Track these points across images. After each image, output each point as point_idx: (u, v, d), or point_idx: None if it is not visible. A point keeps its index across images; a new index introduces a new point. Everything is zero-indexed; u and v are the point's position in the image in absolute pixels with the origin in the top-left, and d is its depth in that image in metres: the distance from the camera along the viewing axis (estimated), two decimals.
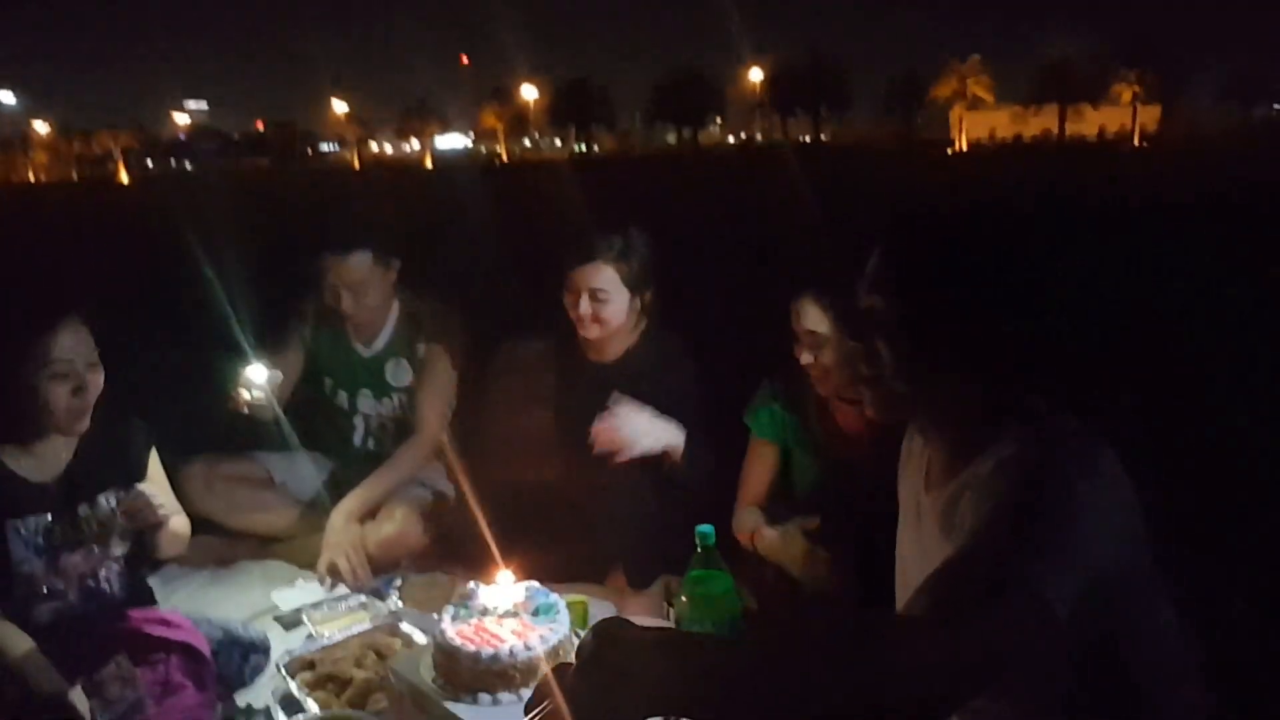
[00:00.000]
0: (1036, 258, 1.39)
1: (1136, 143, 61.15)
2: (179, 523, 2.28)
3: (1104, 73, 72.93)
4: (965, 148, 66.68)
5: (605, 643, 1.03)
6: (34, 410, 2.02)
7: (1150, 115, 76.01)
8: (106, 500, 2.18)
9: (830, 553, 2.11)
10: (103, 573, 2.17)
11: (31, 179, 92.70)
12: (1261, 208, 10.84)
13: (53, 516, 2.10)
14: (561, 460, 2.75)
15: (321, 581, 2.63)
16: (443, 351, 2.99)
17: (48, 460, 2.12)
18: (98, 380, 2.08)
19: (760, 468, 2.37)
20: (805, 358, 2.20)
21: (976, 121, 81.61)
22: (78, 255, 7.36)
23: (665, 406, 2.55)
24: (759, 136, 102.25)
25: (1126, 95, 72.21)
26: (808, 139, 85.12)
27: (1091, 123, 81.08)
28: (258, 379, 2.64)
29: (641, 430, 2.41)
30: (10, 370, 1.98)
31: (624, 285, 2.62)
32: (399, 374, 3.01)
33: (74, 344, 2.02)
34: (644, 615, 2.40)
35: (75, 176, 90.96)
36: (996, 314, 1.32)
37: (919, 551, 1.47)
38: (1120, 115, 77.79)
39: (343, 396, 3.05)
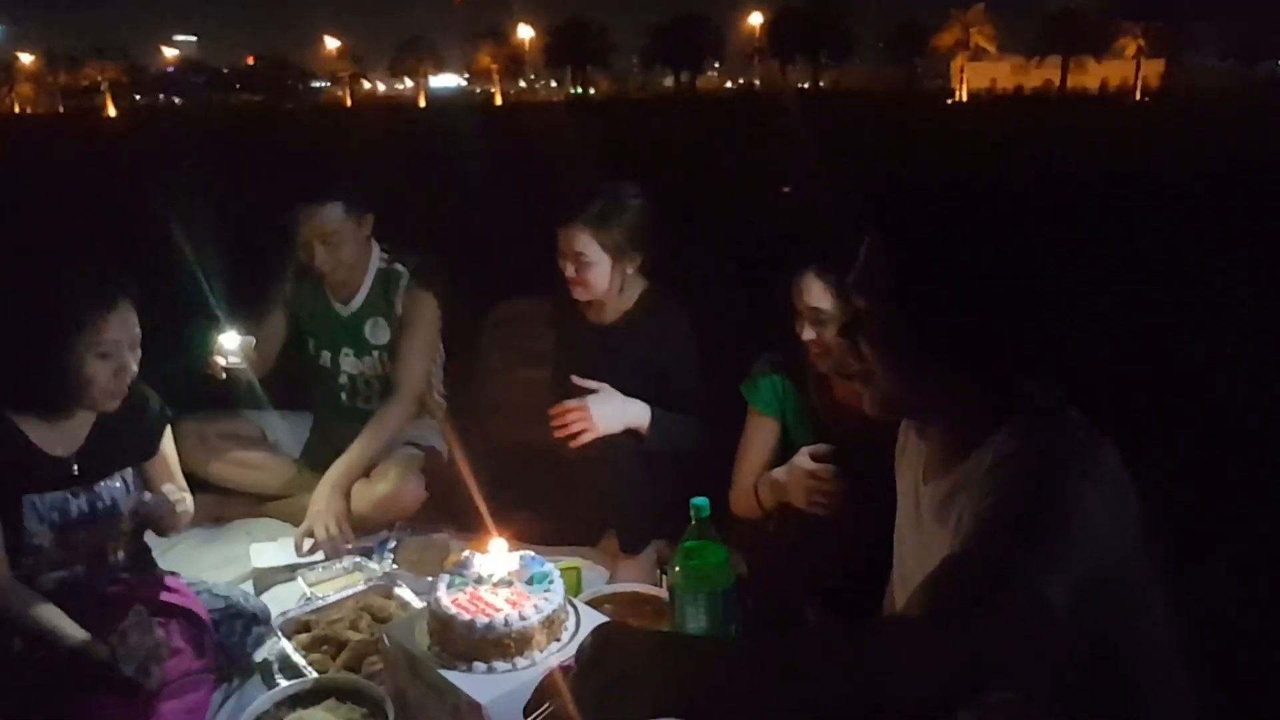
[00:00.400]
0: (1033, 241, 1.36)
1: (1139, 97, 60.60)
2: (187, 502, 2.27)
3: (1108, 25, 72.04)
4: (965, 98, 66.01)
5: (605, 647, 1.04)
6: (73, 386, 1.99)
7: (1153, 69, 75.24)
8: (123, 479, 2.18)
9: (836, 473, 2.09)
10: (110, 545, 2.17)
11: (16, 110, 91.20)
12: (1270, 173, 10.63)
13: (70, 493, 2.09)
14: (548, 428, 2.74)
15: (298, 549, 2.61)
16: (422, 309, 2.93)
17: (69, 434, 2.10)
18: (136, 359, 2.06)
19: (758, 442, 2.35)
20: (807, 334, 2.17)
21: (978, 72, 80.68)
22: (124, 223, 7.08)
23: (662, 372, 2.55)
24: (757, 82, 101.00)
25: (1130, 49, 71.46)
26: (806, 86, 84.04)
27: (1094, 75, 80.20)
28: (231, 345, 2.64)
29: (603, 416, 2.44)
30: (58, 346, 1.95)
31: (604, 251, 2.56)
32: (378, 333, 2.97)
33: (124, 325, 2.00)
34: (636, 581, 2.42)
35: (61, 109, 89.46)
36: (993, 308, 1.29)
37: (917, 541, 1.48)
38: (1123, 69, 77.00)
39: (326, 356, 3.01)
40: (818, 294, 2.12)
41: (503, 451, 3.05)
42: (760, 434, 2.34)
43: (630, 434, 2.50)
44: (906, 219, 1.38)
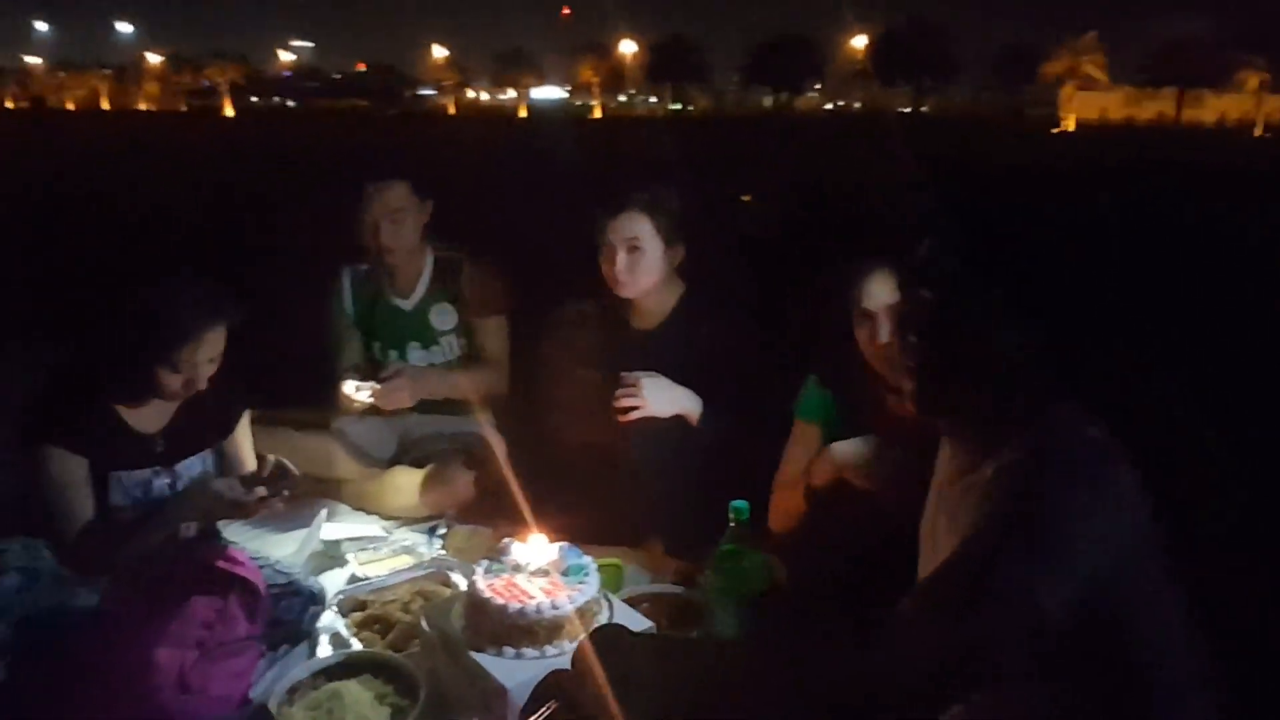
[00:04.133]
0: (1093, 258, 1.36)
1: (1259, 132, 58.05)
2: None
3: (1228, 57, 69.13)
4: (1073, 127, 64.27)
5: (603, 649, 1.06)
6: (145, 385, 2.17)
7: (1278, 104, 71.97)
8: (202, 460, 2.34)
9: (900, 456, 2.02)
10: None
11: (143, 107, 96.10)
12: None
13: (154, 471, 2.25)
14: (606, 424, 2.77)
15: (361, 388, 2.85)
16: (489, 282, 3.10)
17: (156, 414, 2.27)
18: (211, 371, 2.20)
19: (802, 449, 2.32)
20: (864, 335, 2.15)
21: (1087, 102, 78.32)
22: (226, 246, 7.34)
23: (700, 371, 2.57)
24: (858, 105, 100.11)
25: (1252, 82, 68.45)
26: (908, 110, 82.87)
27: (1212, 109, 77.11)
28: (361, 396, 2.83)
29: (654, 396, 2.50)
30: (135, 354, 2.12)
31: (658, 236, 2.62)
32: (443, 318, 3.09)
33: (207, 347, 2.15)
34: (677, 584, 2.42)
35: (184, 108, 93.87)
36: (1030, 320, 1.31)
37: (930, 539, 1.50)
38: (1243, 103, 73.74)
39: (393, 355, 3.10)
40: (879, 295, 2.09)
41: (559, 449, 3.10)
42: (805, 442, 2.30)
43: (679, 430, 2.51)
44: (981, 214, 1.40)
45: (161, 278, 2.17)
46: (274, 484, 2.21)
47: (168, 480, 2.28)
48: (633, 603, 2.25)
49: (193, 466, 2.33)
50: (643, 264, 2.63)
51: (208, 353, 2.16)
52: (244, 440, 2.46)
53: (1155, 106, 76.68)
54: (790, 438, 2.37)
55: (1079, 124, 68.33)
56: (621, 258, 2.62)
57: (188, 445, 2.32)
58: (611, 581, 2.33)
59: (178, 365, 2.12)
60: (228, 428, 2.41)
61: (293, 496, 2.30)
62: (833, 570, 2.01)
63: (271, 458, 2.32)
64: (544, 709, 1.11)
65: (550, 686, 1.14)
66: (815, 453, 2.21)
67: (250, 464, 2.44)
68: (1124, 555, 1.19)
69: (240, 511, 2.22)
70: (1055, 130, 56.67)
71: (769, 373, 2.55)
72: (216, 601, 2.09)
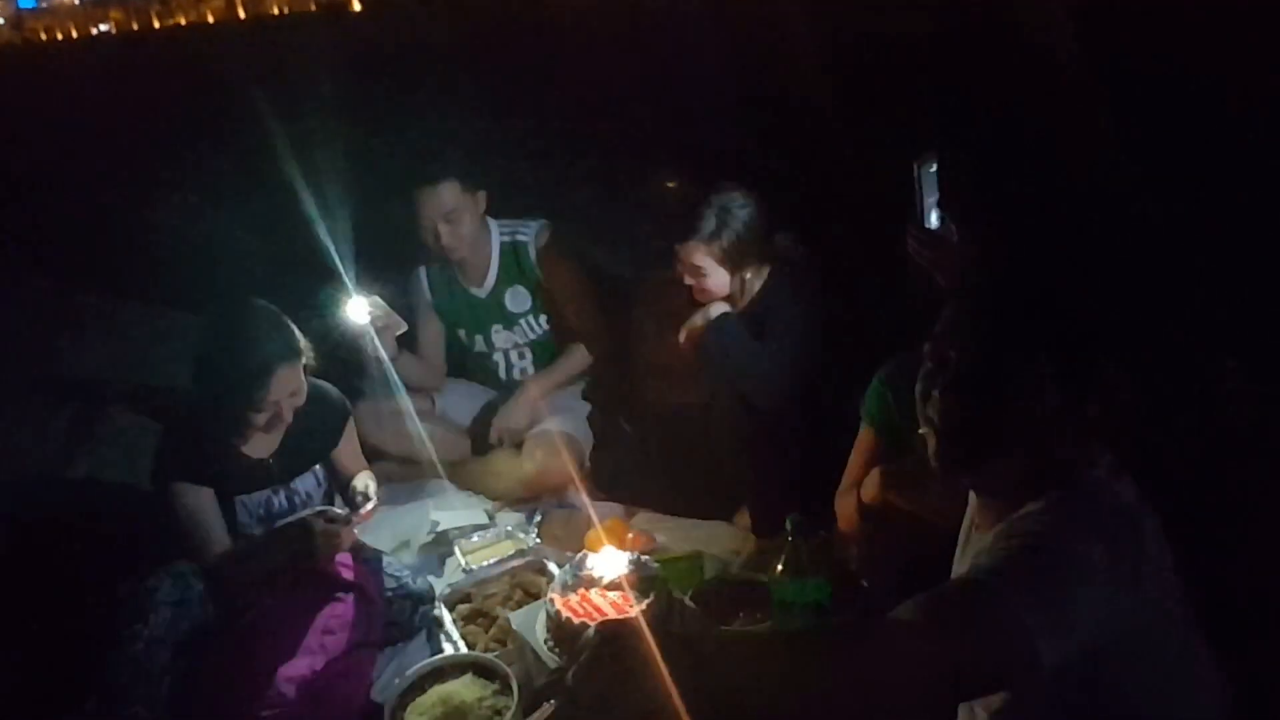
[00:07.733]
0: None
1: None
2: (366, 478, 2.61)
3: None
4: None
5: (604, 645, 1.11)
6: (239, 423, 2.35)
7: None
8: (314, 474, 2.55)
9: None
10: None
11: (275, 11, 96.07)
12: None
13: (271, 491, 2.48)
14: (697, 395, 2.84)
15: (492, 441, 3.08)
16: (560, 263, 3.13)
17: (265, 440, 2.45)
18: (296, 404, 2.34)
19: (861, 455, 2.29)
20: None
21: None
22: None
23: (781, 347, 2.65)
24: None
25: None
26: None
27: None
28: (377, 309, 2.78)
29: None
30: (219, 397, 2.29)
31: (719, 264, 2.68)
32: (519, 301, 3.15)
33: (287, 385, 2.28)
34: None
35: (313, 6, 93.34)
36: (1066, 383, 1.28)
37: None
38: None
39: (479, 341, 3.21)
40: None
41: (654, 416, 3.19)
42: (864, 448, 2.27)
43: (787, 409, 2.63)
44: (1004, 281, 1.39)
45: (221, 319, 2.32)
46: (357, 505, 2.44)
47: (285, 496, 2.50)
48: (711, 586, 2.33)
49: (307, 480, 2.54)
50: (710, 284, 2.72)
51: (284, 389, 2.29)
52: (351, 447, 2.66)
53: None
54: (857, 439, 2.35)
55: None
56: (688, 279, 2.74)
57: (299, 463, 2.52)
58: (692, 575, 2.42)
59: (259, 406, 2.28)
60: (334, 439, 2.60)
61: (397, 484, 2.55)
62: (884, 583, 2.06)
63: (356, 484, 2.53)
64: (544, 708, 1.16)
65: (551, 685, 1.17)
66: (871, 459, 2.20)
67: (360, 466, 2.65)
68: (1136, 624, 1.19)
69: (337, 542, 2.34)
70: None
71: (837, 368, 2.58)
72: (337, 608, 2.33)
